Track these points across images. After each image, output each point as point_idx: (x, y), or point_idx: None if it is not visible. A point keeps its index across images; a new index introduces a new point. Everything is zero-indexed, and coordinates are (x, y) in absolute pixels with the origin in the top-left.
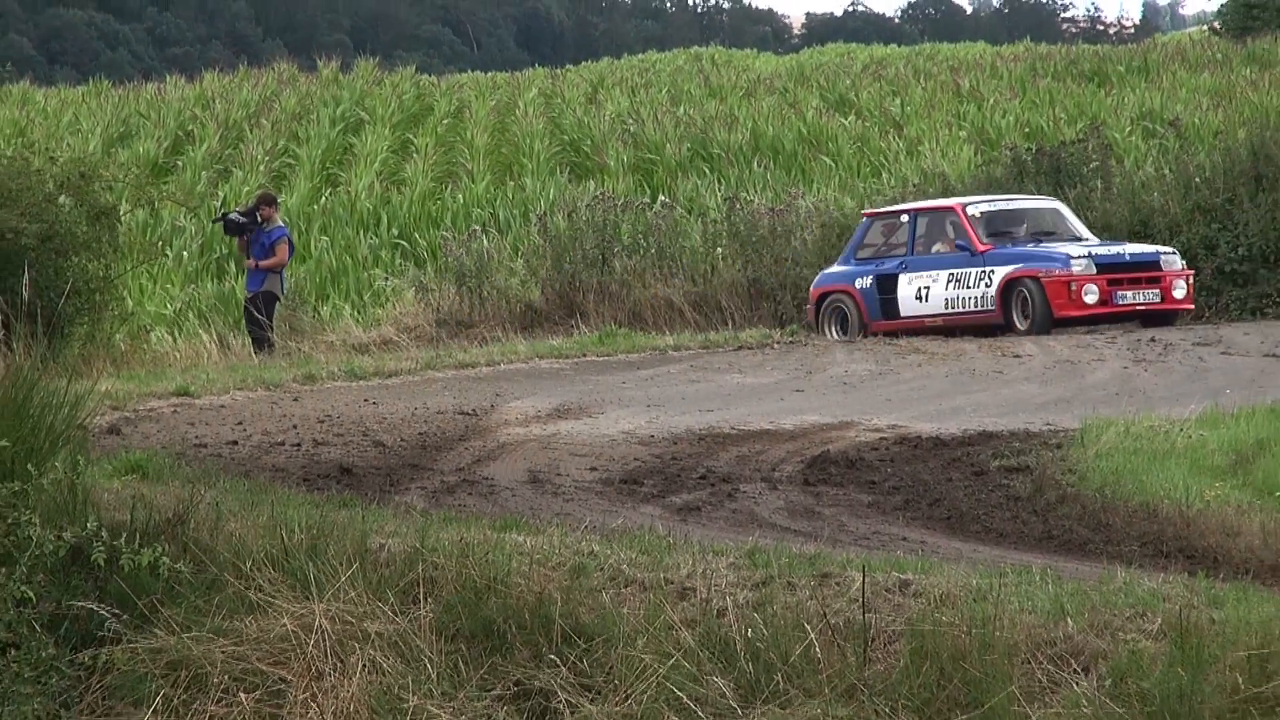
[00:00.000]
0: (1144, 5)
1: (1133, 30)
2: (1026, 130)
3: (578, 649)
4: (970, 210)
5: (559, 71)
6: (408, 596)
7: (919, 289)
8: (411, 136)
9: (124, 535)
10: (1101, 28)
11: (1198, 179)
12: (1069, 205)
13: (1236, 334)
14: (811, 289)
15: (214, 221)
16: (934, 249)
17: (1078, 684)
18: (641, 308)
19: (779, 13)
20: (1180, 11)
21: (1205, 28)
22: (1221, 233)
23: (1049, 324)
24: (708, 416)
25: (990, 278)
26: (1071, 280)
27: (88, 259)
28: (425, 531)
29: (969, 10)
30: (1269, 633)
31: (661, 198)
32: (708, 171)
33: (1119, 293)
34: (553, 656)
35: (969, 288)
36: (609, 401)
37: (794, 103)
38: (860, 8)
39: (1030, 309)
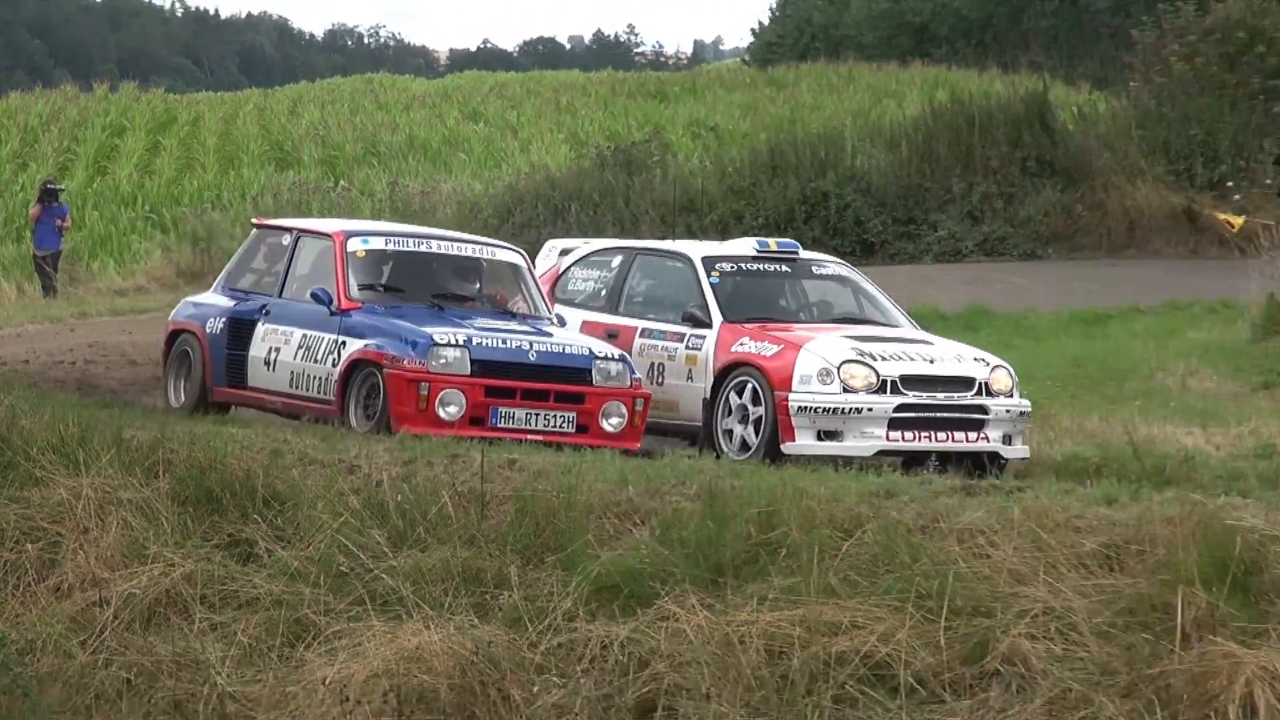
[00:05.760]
0: (694, 42)
1: (686, 61)
2: (608, 134)
3: (274, 510)
4: (354, 244)
5: (269, 91)
6: (151, 473)
7: (271, 350)
8: (161, 139)
9: None
10: (663, 59)
11: (730, 169)
12: (626, 195)
13: None
14: (169, 320)
15: (45, 184)
16: (309, 294)
17: (636, 533)
18: None
19: (430, 47)
20: (721, 48)
21: (739, 60)
22: (747, 207)
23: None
24: None
25: (340, 352)
26: (423, 379)
27: None
28: (165, 425)
29: (568, 46)
30: (773, 496)
31: (342, 183)
32: (376, 164)
33: (502, 410)
34: (256, 516)
35: (317, 361)
36: None
37: (439, 115)
38: (489, 44)
39: (374, 407)
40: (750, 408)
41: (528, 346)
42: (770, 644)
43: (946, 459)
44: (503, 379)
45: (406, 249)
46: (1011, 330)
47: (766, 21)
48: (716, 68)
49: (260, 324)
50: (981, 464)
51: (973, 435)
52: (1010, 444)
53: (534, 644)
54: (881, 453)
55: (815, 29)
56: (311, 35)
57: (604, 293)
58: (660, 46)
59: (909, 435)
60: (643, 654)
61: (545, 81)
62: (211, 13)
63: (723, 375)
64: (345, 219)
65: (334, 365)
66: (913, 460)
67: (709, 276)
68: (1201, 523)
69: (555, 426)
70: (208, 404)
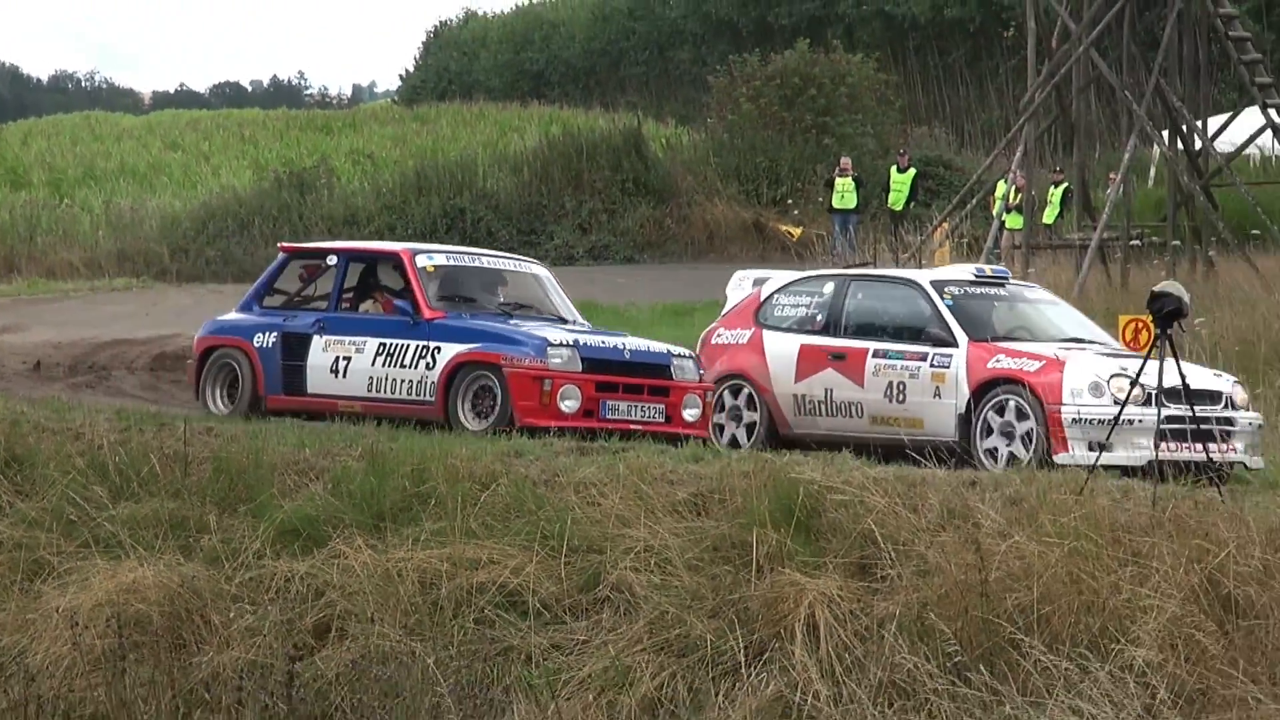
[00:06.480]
0: (354, 85)
1: (346, 101)
2: (284, 161)
3: (14, 469)
4: (422, 261)
5: (3, 125)
6: None
7: (337, 359)
8: None
9: None
10: (328, 99)
11: (384, 189)
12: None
13: None
14: (195, 339)
15: None
16: (364, 307)
17: (312, 487)
18: (55, 266)
19: (136, 89)
20: (375, 90)
21: (390, 99)
22: (398, 220)
23: (510, 429)
24: (93, 330)
25: (435, 356)
26: (546, 376)
27: None
28: None
29: (250, 89)
30: (424, 456)
31: (66, 201)
32: (94, 185)
33: (609, 403)
34: None
35: (405, 366)
36: (35, 323)
37: (145, 145)
38: (185, 87)
39: (489, 406)
40: (1015, 422)
41: (621, 346)
42: (423, 577)
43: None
44: (607, 375)
45: (463, 264)
46: (615, 321)
47: (412, 68)
48: (372, 106)
49: (318, 337)
50: (1217, 473)
51: (1224, 446)
52: (1250, 454)
53: (230, 578)
54: (1150, 463)
55: (452, 75)
56: (39, 79)
57: (819, 317)
58: (326, 89)
59: (1173, 446)
60: (319, 585)
61: (232, 118)
62: None
63: (979, 391)
64: (393, 241)
65: (428, 368)
66: (1135, 468)
67: (943, 299)
68: (772, 476)
69: (649, 417)
70: (260, 411)
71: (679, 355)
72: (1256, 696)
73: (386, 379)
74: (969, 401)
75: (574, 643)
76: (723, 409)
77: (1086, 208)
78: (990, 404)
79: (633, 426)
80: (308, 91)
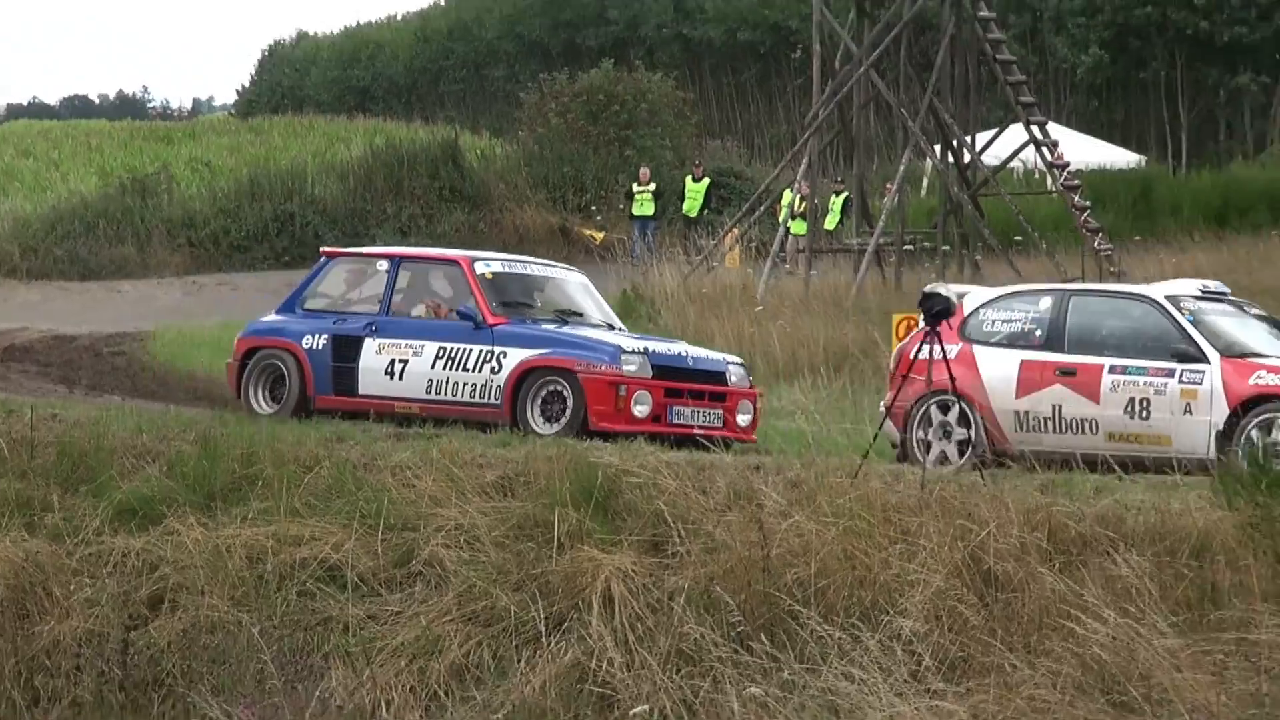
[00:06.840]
0: (194, 99)
1: (187, 113)
2: (128, 168)
3: None
4: (480, 268)
5: None
6: None
7: (392, 361)
8: None
9: None
10: (170, 112)
11: (220, 194)
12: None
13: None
14: (237, 340)
15: None
16: (415, 311)
17: (149, 469)
18: None
19: None
20: (214, 104)
21: (227, 112)
22: (233, 223)
23: (582, 433)
24: None
25: (501, 361)
26: (621, 382)
27: None
28: None
29: (97, 101)
30: (253, 441)
31: None
32: None
33: (675, 408)
34: None
35: (467, 370)
36: None
37: None
38: (37, 99)
39: (558, 410)
40: None
41: (684, 353)
42: (250, 552)
43: None
44: (674, 381)
45: (514, 271)
46: None
47: (248, 84)
48: (210, 119)
49: (370, 339)
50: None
51: None
52: None
53: (71, 553)
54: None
55: (284, 90)
56: None
57: (1038, 333)
58: (167, 102)
59: None
60: (153, 560)
61: (80, 128)
62: None
63: (1241, 408)
64: (440, 247)
65: (494, 373)
66: None
67: (1183, 315)
68: (573, 460)
69: (709, 422)
70: (308, 411)
71: (733, 363)
72: (1013, 663)
73: (447, 382)
74: (1228, 419)
75: (389, 613)
76: (929, 424)
77: (865, 215)
78: (1255, 421)
79: (695, 431)
80: (151, 104)
